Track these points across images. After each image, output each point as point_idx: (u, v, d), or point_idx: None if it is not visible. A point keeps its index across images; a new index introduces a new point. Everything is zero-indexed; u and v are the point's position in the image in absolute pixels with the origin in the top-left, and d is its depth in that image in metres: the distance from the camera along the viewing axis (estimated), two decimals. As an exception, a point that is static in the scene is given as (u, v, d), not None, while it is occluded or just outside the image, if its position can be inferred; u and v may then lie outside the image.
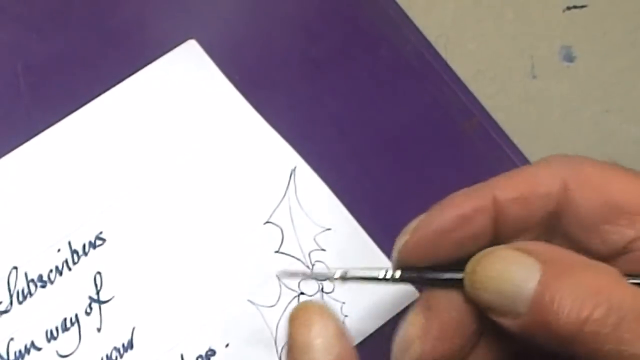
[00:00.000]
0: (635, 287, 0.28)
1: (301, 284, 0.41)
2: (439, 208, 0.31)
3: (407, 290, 0.40)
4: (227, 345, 0.40)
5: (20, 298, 0.40)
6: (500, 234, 0.31)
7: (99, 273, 0.41)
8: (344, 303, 0.41)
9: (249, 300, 0.41)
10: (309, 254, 0.42)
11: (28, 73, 0.44)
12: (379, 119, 0.46)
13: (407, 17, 0.48)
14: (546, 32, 0.70)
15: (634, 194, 0.30)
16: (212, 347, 0.40)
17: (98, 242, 0.41)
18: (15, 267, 0.41)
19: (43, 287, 0.40)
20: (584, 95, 0.69)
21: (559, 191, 0.30)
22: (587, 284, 0.27)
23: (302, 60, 0.47)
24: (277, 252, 0.42)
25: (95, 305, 0.40)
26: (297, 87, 0.46)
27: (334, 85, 0.46)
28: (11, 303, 0.40)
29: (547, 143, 0.67)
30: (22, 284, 0.40)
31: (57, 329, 0.40)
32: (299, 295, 0.41)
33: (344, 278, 0.33)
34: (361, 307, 0.41)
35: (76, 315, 0.40)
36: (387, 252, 0.42)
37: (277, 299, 0.41)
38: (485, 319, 0.30)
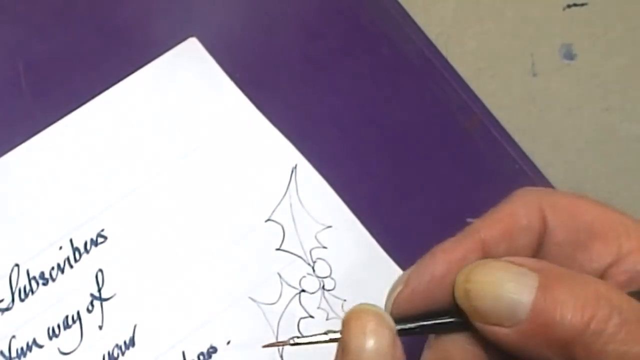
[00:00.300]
0: (630, 297, 0.28)
1: (302, 281, 0.41)
2: (429, 257, 0.31)
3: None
4: (228, 343, 0.40)
5: (22, 295, 0.40)
6: None
7: (100, 270, 0.41)
8: (345, 301, 0.41)
9: (250, 298, 0.41)
10: (310, 252, 0.42)
11: (30, 71, 0.45)
12: (379, 116, 0.46)
13: (407, 15, 0.48)
14: (546, 30, 0.70)
15: (604, 218, 0.31)
16: (214, 345, 0.40)
17: (100, 240, 0.41)
18: (17, 265, 0.41)
19: (45, 284, 0.40)
20: (585, 92, 0.69)
21: (538, 221, 0.31)
22: (586, 288, 0.27)
23: (303, 59, 0.47)
24: (278, 249, 0.42)
25: (96, 303, 0.40)
26: (299, 85, 0.46)
27: (335, 83, 0.46)
28: (13, 300, 0.40)
29: (548, 140, 0.68)
30: (23, 281, 0.40)
31: (58, 326, 0.40)
32: (300, 293, 0.41)
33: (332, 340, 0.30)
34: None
35: (78, 313, 0.40)
36: (388, 249, 0.42)
37: (278, 296, 0.41)
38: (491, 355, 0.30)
